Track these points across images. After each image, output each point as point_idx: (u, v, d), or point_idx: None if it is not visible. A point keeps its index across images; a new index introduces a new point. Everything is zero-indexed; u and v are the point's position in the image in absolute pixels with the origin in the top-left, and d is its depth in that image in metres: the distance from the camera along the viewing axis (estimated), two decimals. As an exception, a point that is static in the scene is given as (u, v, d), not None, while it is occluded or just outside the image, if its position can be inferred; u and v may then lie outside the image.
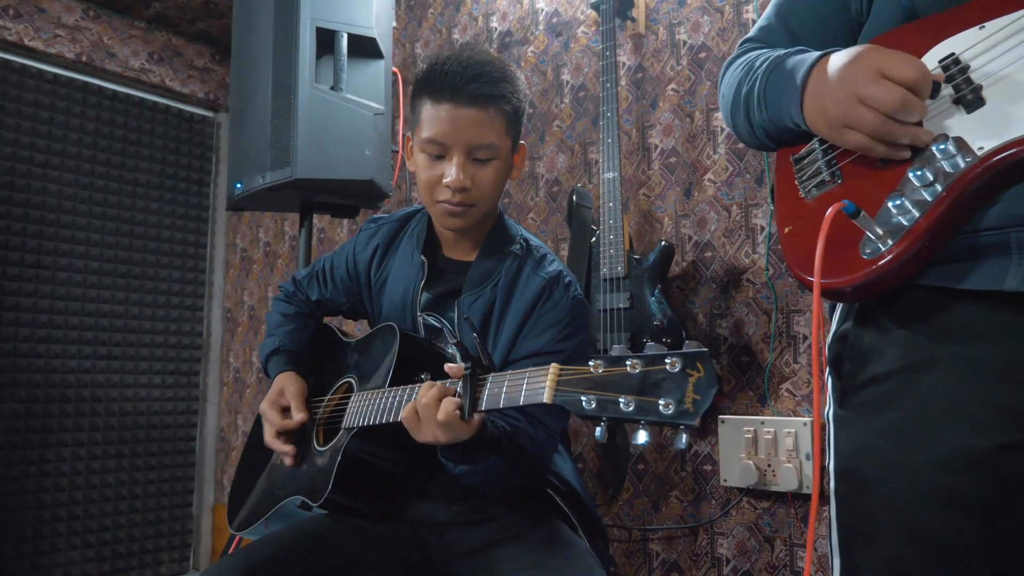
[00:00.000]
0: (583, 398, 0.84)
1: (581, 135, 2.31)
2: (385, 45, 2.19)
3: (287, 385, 1.40)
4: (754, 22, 1.90)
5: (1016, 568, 0.80)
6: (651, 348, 0.82)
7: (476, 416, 1.01)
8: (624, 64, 2.21)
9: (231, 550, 1.95)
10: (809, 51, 0.99)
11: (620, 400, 0.81)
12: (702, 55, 2.08)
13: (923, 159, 0.83)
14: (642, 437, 0.82)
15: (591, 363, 0.85)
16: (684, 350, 0.79)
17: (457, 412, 1.00)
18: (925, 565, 0.83)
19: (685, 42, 2.11)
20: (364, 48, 2.15)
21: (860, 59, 0.86)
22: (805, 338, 1.84)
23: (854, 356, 0.94)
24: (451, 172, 1.24)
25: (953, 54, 0.86)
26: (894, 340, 0.89)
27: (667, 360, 0.79)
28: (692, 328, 1.99)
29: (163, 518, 3.22)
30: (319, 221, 3.08)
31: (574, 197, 2.09)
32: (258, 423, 1.60)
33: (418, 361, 1.26)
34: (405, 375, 1.22)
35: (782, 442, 1.81)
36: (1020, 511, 0.80)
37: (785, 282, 1.88)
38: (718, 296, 1.98)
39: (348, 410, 1.26)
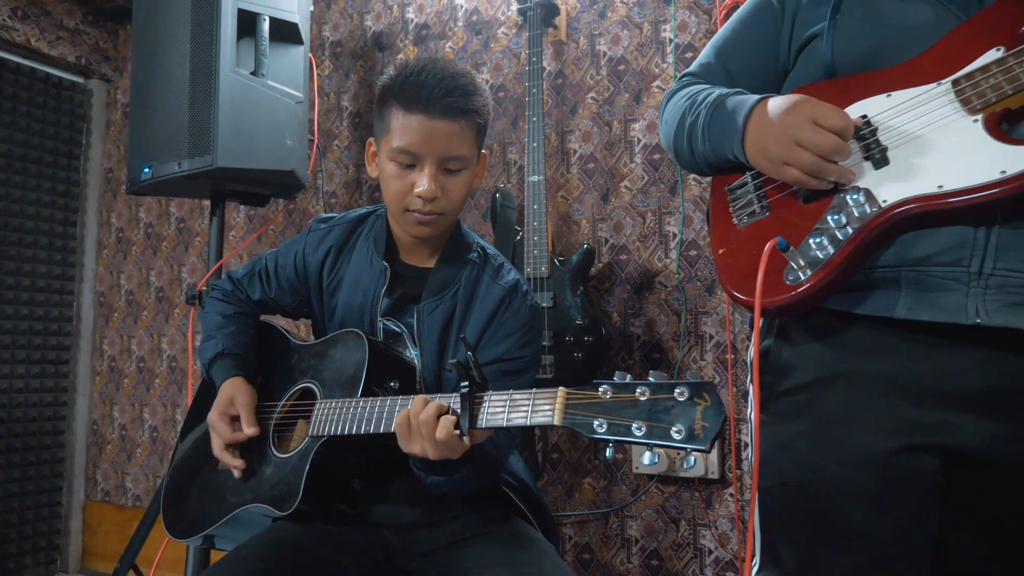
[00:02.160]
0: (595, 422, 0.91)
1: (500, 135, 2.37)
2: (304, 30, 2.14)
3: (237, 395, 1.36)
4: (671, 40, 2.04)
5: (897, 546, 0.99)
6: (654, 376, 0.91)
7: (471, 435, 1.05)
8: (545, 69, 2.28)
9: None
10: (746, 93, 1.13)
11: (632, 425, 0.88)
12: (621, 67, 2.19)
13: (840, 204, 0.99)
14: (647, 459, 0.90)
15: (600, 388, 0.92)
16: (691, 380, 0.88)
17: (456, 431, 1.04)
18: (827, 544, 1.01)
19: (605, 53, 2.22)
20: (284, 33, 2.10)
21: (797, 108, 1.01)
22: (711, 338, 2.02)
23: (774, 370, 1.11)
24: (423, 182, 1.26)
25: (866, 116, 1.02)
26: (806, 358, 1.07)
27: (676, 389, 0.87)
28: (607, 327, 2.12)
29: (27, 518, 2.98)
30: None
31: (497, 197, 2.14)
32: (190, 425, 1.56)
33: (385, 369, 1.28)
34: (374, 383, 1.23)
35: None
36: (902, 503, 0.98)
37: (695, 286, 2.04)
38: (632, 297, 2.12)
39: (314, 417, 1.26)
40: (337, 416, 1.22)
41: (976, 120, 0.96)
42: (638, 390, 0.91)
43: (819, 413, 1.04)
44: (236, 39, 1.97)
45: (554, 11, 2.19)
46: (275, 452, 1.33)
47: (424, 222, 1.30)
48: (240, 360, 1.41)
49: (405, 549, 1.31)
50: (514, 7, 2.30)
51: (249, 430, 1.31)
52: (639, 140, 2.14)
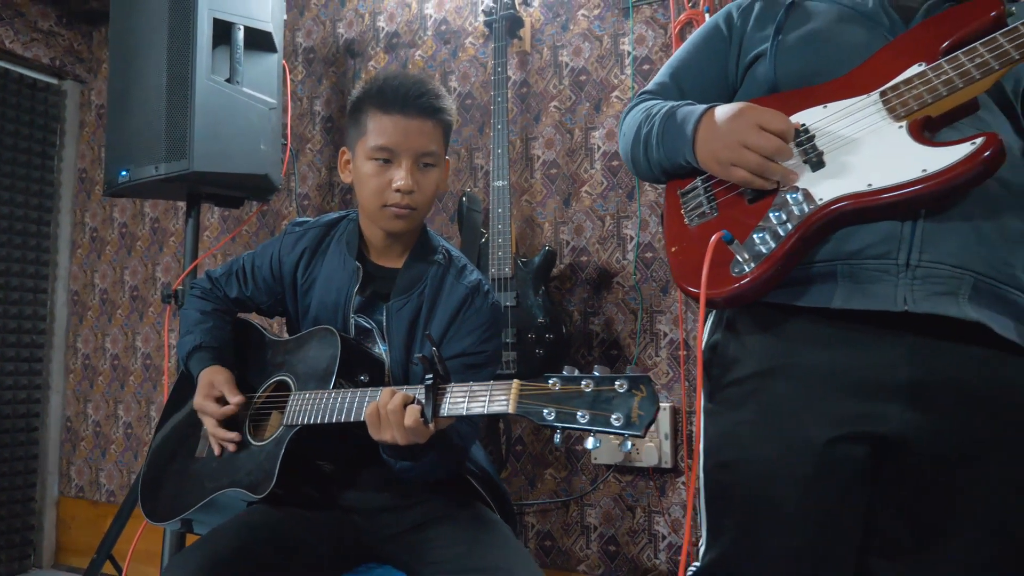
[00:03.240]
0: (544, 410, 1.01)
1: (467, 140, 2.47)
2: (278, 39, 2.22)
3: (215, 377, 1.45)
4: (629, 53, 2.15)
5: (827, 526, 1.10)
6: (598, 371, 1.01)
7: (435, 422, 1.15)
8: (510, 78, 2.39)
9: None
10: (694, 104, 1.24)
11: (577, 414, 0.99)
12: (582, 78, 2.30)
13: (781, 203, 1.10)
14: (591, 443, 1.00)
15: (549, 381, 1.03)
16: (629, 374, 0.99)
17: (421, 419, 1.14)
18: (764, 523, 1.12)
19: (567, 64, 2.33)
20: (259, 41, 2.18)
21: (743, 114, 1.12)
22: (665, 335, 2.14)
23: (721, 362, 1.21)
24: (401, 176, 1.38)
25: (804, 124, 1.13)
26: (751, 350, 1.17)
27: (616, 382, 0.98)
28: (568, 325, 2.23)
29: (1, 515, 3.01)
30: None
31: (464, 200, 2.24)
32: (168, 416, 1.64)
33: (356, 363, 1.37)
34: (346, 376, 1.33)
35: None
36: (833, 487, 1.09)
37: (650, 286, 2.16)
38: (591, 296, 2.23)
39: (288, 408, 1.35)
40: (310, 407, 1.31)
41: (901, 126, 1.06)
42: (583, 382, 1.01)
43: (761, 403, 1.13)
44: (212, 47, 2.05)
45: (518, 23, 2.30)
46: (251, 440, 1.41)
47: (401, 215, 1.40)
48: (217, 352, 1.50)
49: (373, 531, 1.41)
50: (481, 18, 2.40)
51: (235, 399, 1.41)
52: (599, 147, 2.26)
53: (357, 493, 1.43)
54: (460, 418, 1.29)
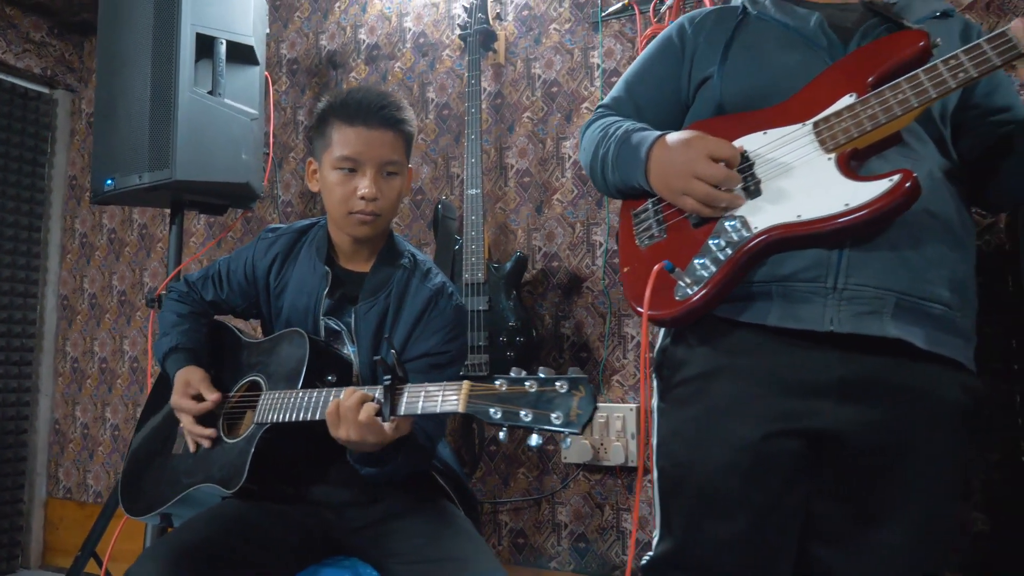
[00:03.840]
0: (491, 409, 1.09)
1: (444, 149, 2.55)
2: (260, 52, 2.30)
3: (191, 376, 1.52)
4: (598, 66, 2.24)
5: (767, 514, 1.18)
6: (543, 372, 1.09)
7: (393, 422, 1.22)
8: (485, 89, 2.46)
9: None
10: (648, 129, 1.32)
11: (521, 412, 1.06)
12: (554, 89, 2.38)
13: (720, 230, 1.17)
14: (534, 440, 1.08)
15: (496, 382, 1.10)
16: (570, 376, 1.06)
17: (377, 417, 1.21)
18: (709, 513, 1.20)
19: (539, 76, 2.41)
20: (241, 54, 2.25)
21: (692, 145, 1.19)
22: (633, 338, 2.21)
23: (670, 364, 1.30)
24: (365, 184, 1.46)
25: (745, 151, 1.20)
26: (696, 354, 1.25)
27: (557, 383, 1.06)
28: (540, 328, 2.31)
29: (-10, 515, 3.07)
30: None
31: (440, 208, 2.32)
32: (147, 416, 1.71)
33: (324, 364, 1.44)
34: (314, 376, 1.40)
35: (613, 424, 2.17)
36: (771, 478, 1.17)
37: (618, 290, 2.23)
38: (562, 300, 2.31)
39: (260, 406, 1.42)
40: (280, 405, 1.39)
41: (830, 158, 1.14)
42: (527, 383, 1.09)
43: (705, 402, 1.22)
44: (195, 61, 2.12)
45: (492, 37, 2.38)
46: (225, 438, 1.49)
47: (365, 222, 1.48)
48: (192, 354, 1.57)
49: (340, 525, 1.48)
50: (457, 32, 2.48)
51: (211, 396, 1.48)
52: (569, 157, 2.33)
53: (326, 488, 1.50)
54: (424, 417, 1.37)
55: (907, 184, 1.07)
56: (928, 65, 1.10)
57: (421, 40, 2.63)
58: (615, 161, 1.32)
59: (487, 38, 2.37)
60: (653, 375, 1.38)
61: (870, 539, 1.20)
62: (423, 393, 1.19)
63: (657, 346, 1.38)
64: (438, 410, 1.17)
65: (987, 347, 1.79)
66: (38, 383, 3.28)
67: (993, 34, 1.05)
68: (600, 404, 2.21)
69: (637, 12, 2.23)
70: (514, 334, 2.14)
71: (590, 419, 1.05)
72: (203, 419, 1.49)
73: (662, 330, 1.38)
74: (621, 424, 2.16)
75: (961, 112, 1.26)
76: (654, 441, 1.33)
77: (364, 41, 2.74)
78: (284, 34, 2.90)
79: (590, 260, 2.29)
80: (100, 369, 3.20)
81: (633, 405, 2.17)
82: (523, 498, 2.31)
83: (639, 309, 1.22)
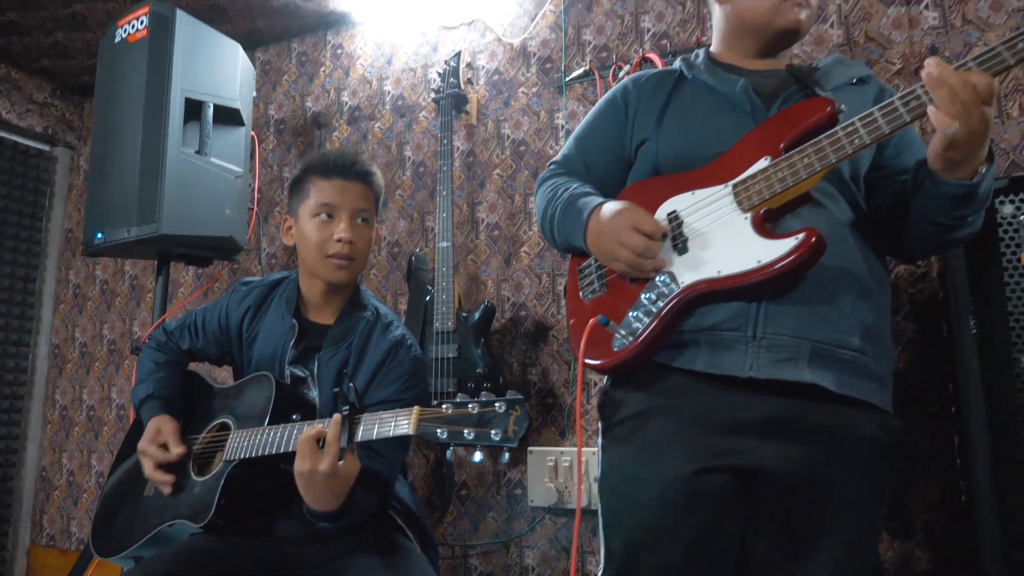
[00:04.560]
0: (438, 430, 1.21)
1: (420, 204, 2.68)
2: (246, 114, 2.45)
3: (162, 425, 1.61)
4: (563, 127, 2.38)
5: (699, 545, 1.26)
6: (484, 396, 1.20)
7: (352, 456, 1.32)
8: (459, 148, 2.61)
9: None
10: (591, 194, 1.43)
11: (464, 431, 1.18)
12: (522, 148, 2.53)
13: (652, 285, 1.28)
14: (477, 456, 1.19)
15: (443, 407, 1.22)
16: (507, 397, 1.18)
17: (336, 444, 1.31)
18: (644, 544, 1.28)
19: (509, 136, 2.56)
20: (228, 116, 2.40)
21: (620, 216, 1.30)
22: (596, 384, 2.31)
23: (611, 405, 1.39)
24: (341, 228, 1.60)
25: (675, 211, 1.32)
26: (634, 396, 1.35)
27: (496, 404, 1.17)
28: (508, 375, 2.40)
29: (-27, 561, 3.12)
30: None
31: (413, 260, 2.44)
32: (121, 460, 1.79)
33: (289, 404, 1.54)
34: (279, 416, 1.50)
35: (576, 468, 2.25)
36: (702, 512, 1.25)
37: (582, 339, 2.34)
38: (530, 348, 2.41)
39: (228, 445, 1.51)
40: (247, 443, 1.48)
41: (746, 218, 1.24)
42: (470, 406, 1.20)
43: (641, 439, 1.31)
44: (184, 122, 2.27)
45: (463, 100, 2.53)
46: (195, 477, 1.57)
47: (341, 265, 1.61)
48: (166, 402, 1.67)
49: (301, 560, 1.55)
50: (432, 95, 2.64)
51: (176, 449, 1.56)
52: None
53: (289, 523, 1.57)
54: (376, 456, 1.46)
55: (812, 241, 1.17)
56: (830, 131, 1.21)
57: (399, 102, 2.79)
58: (560, 223, 1.44)
59: (459, 101, 2.52)
60: (598, 416, 1.47)
61: (798, 572, 1.27)
62: (378, 420, 1.30)
63: (602, 388, 1.48)
64: (391, 434, 1.28)
65: (924, 391, 1.90)
66: (26, 430, 3.36)
67: (904, 92, 1.15)
68: (566, 448, 2.29)
69: (598, 77, 2.39)
70: (482, 380, 2.23)
71: (526, 433, 1.17)
72: (167, 466, 1.58)
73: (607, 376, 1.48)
74: (585, 468, 2.24)
75: (873, 172, 1.37)
76: (599, 475, 1.42)
77: (347, 103, 2.90)
78: (272, 96, 3.07)
79: (556, 309, 2.40)
80: (88, 416, 3.28)
81: (595, 449, 2.24)
82: (492, 542, 2.37)
83: (582, 360, 1.32)
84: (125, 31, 2.34)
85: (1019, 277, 1.41)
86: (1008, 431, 1.38)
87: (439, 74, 2.54)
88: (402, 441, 1.59)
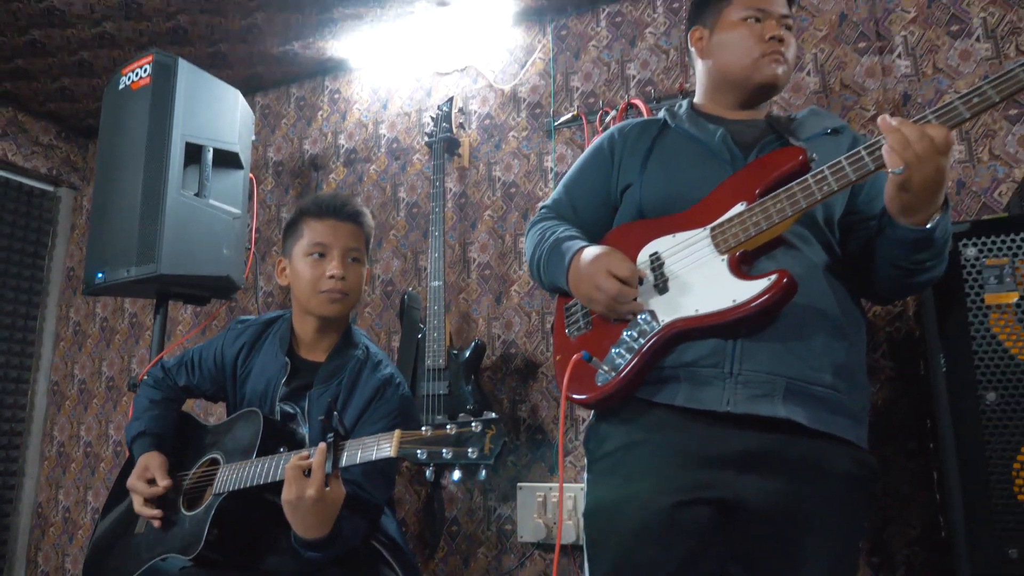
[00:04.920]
0: (418, 451, 1.27)
1: (413, 244, 2.75)
2: (245, 157, 2.53)
3: (150, 461, 1.66)
4: (552, 169, 2.45)
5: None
6: (462, 417, 1.26)
7: (337, 482, 1.37)
8: (451, 190, 2.69)
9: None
10: (577, 238, 1.49)
11: (443, 450, 1.24)
12: (512, 190, 2.61)
13: (634, 324, 1.33)
14: (456, 475, 1.24)
15: (423, 429, 1.28)
16: (483, 418, 1.24)
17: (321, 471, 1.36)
18: (627, 574, 1.31)
19: (499, 178, 2.64)
20: (227, 160, 2.48)
21: (598, 260, 1.37)
22: (584, 419, 2.35)
23: (596, 439, 1.44)
24: (333, 265, 1.68)
25: (657, 252, 1.38)
26: (617, 430, 1.39)
27: (472, 424, 1.24)
28: (499, 411, 2.44)
29: (-33, 599, 3.12)
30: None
31: (406, 299, 2.50)
32: (114, 497, 1.83)
33: (277, 438, 1.59)
34: (267, 451, 1.54)
35: (565, 503, 2.28)
36: (683, 544, 1.29)
37: (570, 375, 2.38)
38: (519, 385, 2.46)
39: (217, 479, 1.56)
40: (235, 476, 1.52)
41: (723, 259, 1.30)
42: (448, 427, 1.27)
43: (624, 472, 1.35)
44: (183, 166, 2.35)
45: (455, 144, 2.62)
46: (185, 512, 1.61)
47: (334, 299, 1.68)
48: (157, 438, 1.72)
49: (288, 593, 1.59)
50: (425, 139, 2.72)
51: (163, 482, 1.61)
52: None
53: (277, 558, 1.61)
54: (363, 489, 1.50)
55: (784, 281, 1.23)
56: (801, 178, 1.28)
57: (394, 145, 2.87)
58: (546, 266, 1.51)
59: (451, 144, 2.60)
60: (584, 451, 1.52)
61: None
62: (361, 445, 1.36)
63: (588, 423, 1.53)
64: (374, 457, 1.34)
65: (904, 427, 1.94)
66: (24, 467, 3.39)
67: (870, 142, 1.23)
68: (554, 484, 2.32)
69: (585, 122, 2.48)
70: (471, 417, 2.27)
71: (500, 451, 1.25)
72: (156, 501, 1.62)
73: (594, 411, 1.53)
74: (573, 503, 2.27)
75: (847, 217, 1.44)
76: (585, 508, 1.46)
77: (343, 146, 2.99)
78: (271, 139, 3.16)
79: (545, 347, 2.45)
80: (85, 453, 3.31)
81: (583, 485, 2.28)
82: (482, 577, 2.39)
83: (568, 394, 1.37)
84: (129, 79, 2.43)
85: (982, 317, 1.46)
86: (976, 465, 1.43)
87: (432, 118, 2.63)
88: (387, 475, 1.64)
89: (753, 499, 1.27)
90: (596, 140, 1.64)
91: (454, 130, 2.59)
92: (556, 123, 2.55)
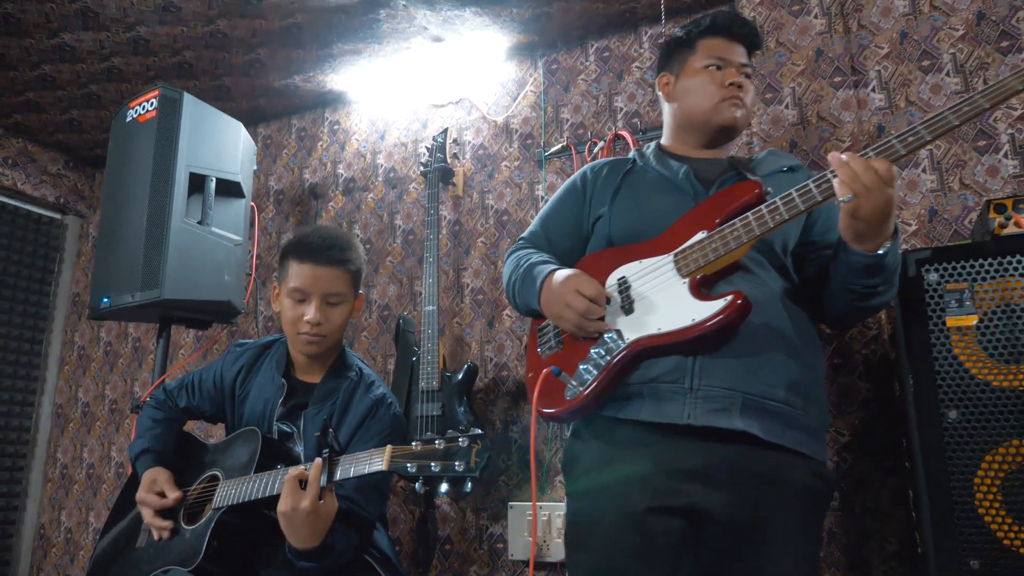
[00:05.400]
0: (408, 465, 1.34)
1: (409, 270, 2.84)
2: (247, 186, 2.62)
3: (157, 475, 1.73)
4: (542, 197, 2.54)
5: None
6: (451, 433, 1.33)
7: (331, 495, 1.43)
8: (445, 218, 2.78)
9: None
10: (549, 263, 1.59)
11: (431, 464, 1.30)
12: (504, 218, 2.70)
13: (601, 342, 1.42)
14: (444, 487, 1.31)
15: (413, 444, 1.36)
16: (469, 433, 1.32)
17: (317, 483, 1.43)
18: None
19: (492, 206, 2.73)
20: (229, 189, 2.57)
21: (568, 281, 1.47)
22: (573, 441, 2.41)
23: (570, 459, 1.53)
24: (310, 312, 1.72)
25: (624, 276, 1.47)
26: (589, 447, 1.48)
27: (459, 439, 1.31)
28: (491, 432, 2.51)
29: (-31, 619, 3.17)
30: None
31: (401, 323, 2.58)
32: (117, 512, 1.89)
33: (275, 456, 1.66)
34: (264, 468, 1.62)
35: (555, 522, 2.34)
36: (657, 553, 1.35)
37: (560, 397, 2.45)
38: (511, 407, 2.53)
39: (216, 494, 1.63)
40: (234, 491, 1.60)
41: (684, 282, 1.40)
42: (436, 442, 1.34)
43: (597, 489, 1.43)
44: (187, 195, 2.43)
45: (450, 173, 2.72)
46: (185, 527, 1.68)
47: (312, 342, 1.74)
48: (159, 455, 1.79)
49: (284, 606, 1.65)
50: (421, 169, 2.82)
51: (173, 495, 1.68)
52: (518, 277, 2.61)
53: (273, 571, 1.67)
54: (356, 504, 1.57)
55: (738, 302, 1.32)
56: (756, 208, 1.38)
57: (391, 174, 2.97)
58: (520, 289, 1.60)
59: (445, 174, 2.70)
60: (562, 472, 1.59)
61: None
62: (354, 460, 1.43)
63: (565, 445, 1.60)
64: (367, 471, 1.41)
65: (881, 446, 2.01)
66: (27, 488, 3.45)
67: (817, 176, 1.33)
68: (544, 503, 2.38)
69: (574, 152, 2.58)
70: (464, 437, 2.34)
71: (486, 464, 1.32)
72: (164, 514, 1.68)
73: (569, 433, 1.61)
74: (563, 522, 2.33)
75: (802, 246, 1.54)
76: (564, 525, 1.52)
77: (342, 175, 3.09)
78: (273, 168, 3.27)
79: (536, 369, 2.52)
80: (87, 475, 3.37)
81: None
82: (474, 596, 2.44)
83: (539, 409, 1.45)
84: (136, 112, 2.53)
85: (944, 339, 1.54)
86: (940, 480, 1.49)
87: (428, 149, 2.73)
88: (380, 490, 1.70)
89: (717, 510, 1.34)
90: (570, 178, 1.77)
91: (449, 160, 2.69)
92: (547, 153, 2.65)
